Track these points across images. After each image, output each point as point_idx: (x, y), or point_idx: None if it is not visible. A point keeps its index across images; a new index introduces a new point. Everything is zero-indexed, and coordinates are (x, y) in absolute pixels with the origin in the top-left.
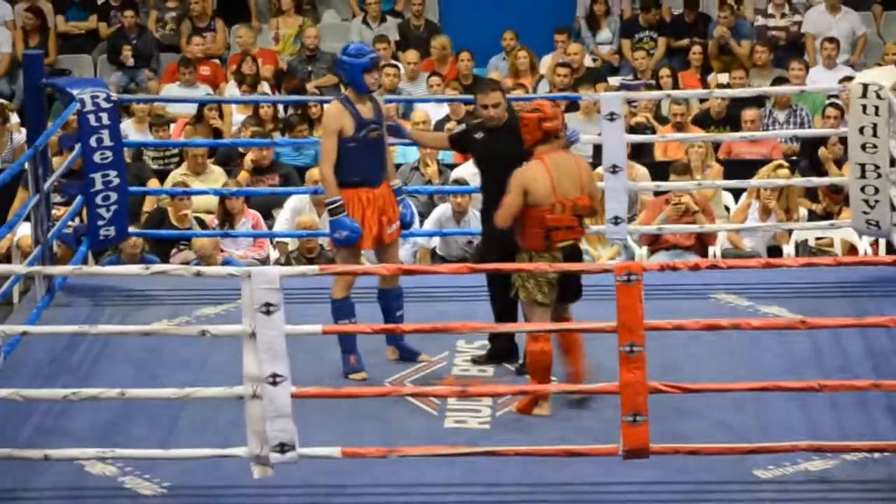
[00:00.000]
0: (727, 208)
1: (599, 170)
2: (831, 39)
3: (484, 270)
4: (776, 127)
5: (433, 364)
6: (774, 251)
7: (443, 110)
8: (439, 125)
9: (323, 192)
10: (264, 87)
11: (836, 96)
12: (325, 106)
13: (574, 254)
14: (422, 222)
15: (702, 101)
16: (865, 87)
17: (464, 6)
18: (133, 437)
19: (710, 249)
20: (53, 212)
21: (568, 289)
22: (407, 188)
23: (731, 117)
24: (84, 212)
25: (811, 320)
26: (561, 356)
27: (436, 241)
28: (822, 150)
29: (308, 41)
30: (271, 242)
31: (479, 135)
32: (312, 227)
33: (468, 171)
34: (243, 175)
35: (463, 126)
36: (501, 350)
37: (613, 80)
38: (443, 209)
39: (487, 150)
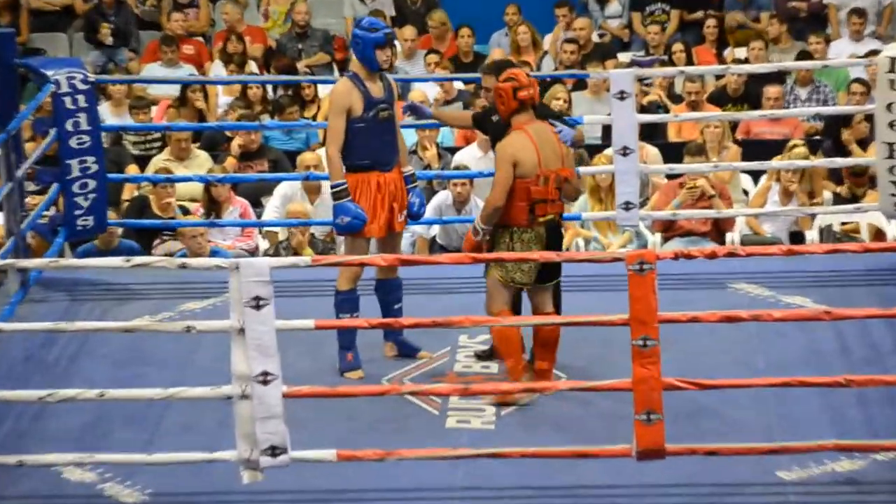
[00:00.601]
0: (746, 192)
1: (609, 151)
2: (857, 11)
3: (487, 260)
4: (798, 104)
5: (434, 360)
6: (797, 237)
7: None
8: (467, 104)
9: (315, 178)
10: (252, 66)
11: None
12: (334, 84)
13: (555, 228)
14: None
15: (718, 77)
16: (893, 60)
17: None
18: (114, 440)
19: (728, 236)
20: (27, 201)
21: (546, 267)
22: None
23: (749, 95)
24: (60, 201)
25: (836, 311)
26: (535, 350)
27: (436, 230)
28: (844, 134)
29: (298, 17)
30: (260, 232)
31: (495, 117)
32: (304, 216)
33: (471, 156)
34: (230, 161)
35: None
36: None
37: (623, 57)
38: (443, 196)
39: (500, 134)
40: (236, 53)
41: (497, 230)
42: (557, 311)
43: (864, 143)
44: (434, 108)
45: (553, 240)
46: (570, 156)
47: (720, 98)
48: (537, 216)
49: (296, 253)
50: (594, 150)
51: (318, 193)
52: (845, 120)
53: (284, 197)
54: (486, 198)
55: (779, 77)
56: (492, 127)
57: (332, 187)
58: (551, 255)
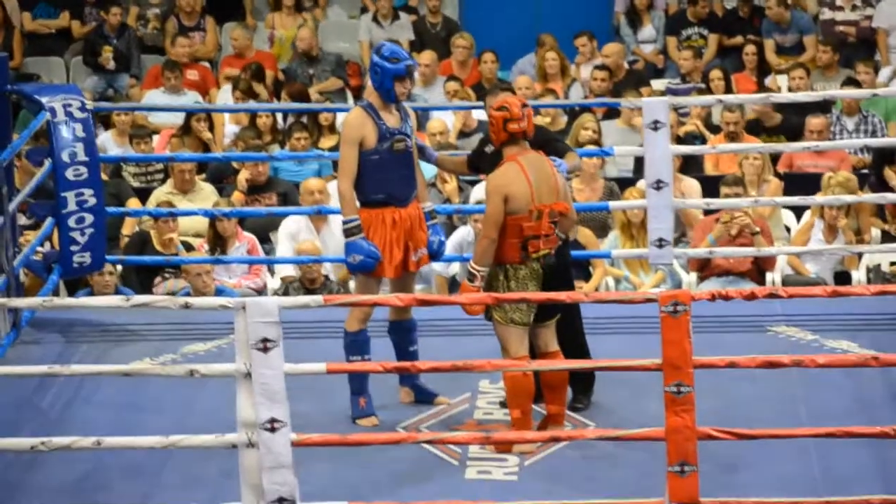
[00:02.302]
0: (788, 228)
1: (641, 184)
2: None
3: (508, 300)
4: (844, 136)
5: (453, 407)
6: (842, 277)
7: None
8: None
9: (328, 212)
10: (262, 93)
11: None
12: (346, 113)
13: (551, 264)
14: None
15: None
16: None
17: (486, 2)
18: (111, 492)
19: (769, 276)
20: (20, 237)
21: (545, 305)
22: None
23: (788, 125)
24: (55, 236)
25: (885, 356)
26: (544, 393)
27: (456, 268)
28: (886, 171)
29: (302, 45)
30: (269, 270)
31: (489, 148)
32: (316, 254)
33: None
34: (237, 196)
35: (478, 142)
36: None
37: (658, 84)
38: (463, 232)
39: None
40: (244, 79)
41: (490, 270)
42: (583, 353)
43: None
44: (440, 155)
45: (550, 276)
46: (566, 188)
47: (755, 129)
48: (530, 252)
49: (309, 290)
50: (626, 183)
51: (325, 221)
52: (890, 155)
53: (290, 237)
54: (476, 239)
55: (823, 107)
56: (487, 158)
57: (344, 223)
58: (580, 296)
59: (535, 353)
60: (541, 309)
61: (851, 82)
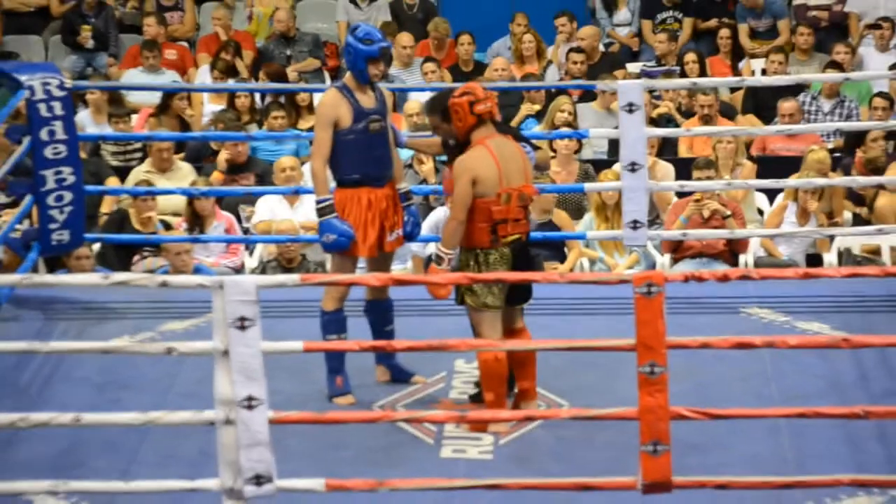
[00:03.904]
0: (761, 211)
1: (617, 167)
2: (885, 19)
3: (485, 281)
4: (819, 117)
5: (429, 386)
6: (814, 260)
7: None
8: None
9: (305, 192)
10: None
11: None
12: (321, 94)
13: (523, 248)
14: None
15: (732, 90)
16: None
17: None
18: (89, 468)
19: (742, 258)
20: None
21: (517, 288)
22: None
23: (759, 107)
24: (34, 214)
25: (855, 338)
26: (514, 370)
27: (432, 249)
28: (858, 154)
29: (280, 26)
30: (247, 249)
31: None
32: (293, 232)
33: None
34: (216, 176)
35: None
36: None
37: (633, 67)
38: (440, 213)
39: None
40: (224, 60)
41: (460, 253)
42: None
43: (878, 170)
44: (409, 139)
45: (521, 261)
46: (531, 170)
47: (728, 112)
48: (500, 236)
49: (287, 270)
50: (602, 165)
51: (298, 196)
52: (859, 139)
53: (268, 212)
54: (445, 221)
55: (794, 90)
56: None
57: (317, 203)
58: (555, 276)
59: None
60: (512, 292)
61: (834, 65)
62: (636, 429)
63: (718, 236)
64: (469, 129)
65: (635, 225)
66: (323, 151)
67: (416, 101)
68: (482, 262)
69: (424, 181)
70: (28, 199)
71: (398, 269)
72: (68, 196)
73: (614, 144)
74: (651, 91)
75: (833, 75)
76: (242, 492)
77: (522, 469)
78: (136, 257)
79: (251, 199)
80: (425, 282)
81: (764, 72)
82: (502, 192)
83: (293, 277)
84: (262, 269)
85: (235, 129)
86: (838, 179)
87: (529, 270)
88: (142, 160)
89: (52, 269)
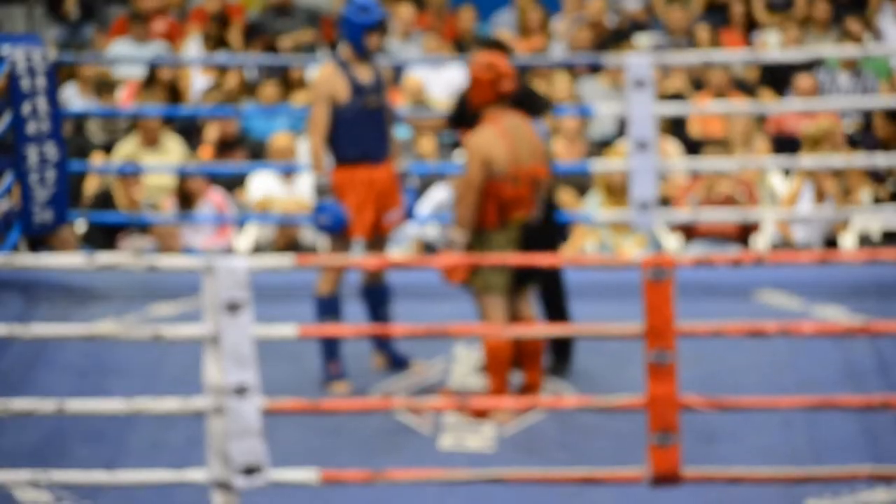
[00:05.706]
0: (775, 194)
1: (624, 145)
2: None
3: (487, 263)
4: (836, 93)
5: (427, 373)
6: (831, 243)
7: (445, 75)
8: None
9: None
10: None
11: None
12: (319, 69)
13: (530, 229)
14: None
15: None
16: None
17: None
18: (73, 458)
19: (754, 239)
20: None
21: (525, 271)
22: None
23: (775, 81)
24: (15, 192)
25: (874, 324)
26: (521, 361)
27: (430, 231)
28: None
29: None
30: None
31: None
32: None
33: None
34: (207, 152)
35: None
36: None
37: (641, 41)
38: (441, 193)
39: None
40: (221, 31)
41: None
42: (565, 318)
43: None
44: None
45: (529, 241)
46: (547, 149)
47: (741, 87)
48: (508, 218)
49: (282, 250)
50: (609, 143)
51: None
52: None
53: (262, 192)
54: (456, 202)
55: (810, 66)
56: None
57: (314, 181)
58: (561, 260)
59: (511, 320)
60: (519, 275)
61: (851, 39)
62: (644, 418)
63: (731, 218)
64: (485, 105)
65: (644, 206)
66: (320, 128)
67: (416, 77)
68: (489, 243)
69: (425, 161)
70: (9, 176)
71: (396, 251)
72: (52, 174)
73: (622, 122)
74: (661, 66)
75: (847, 50)
76: (233, 483)
77: (526, 461)
78: (122, 235)
79: (245, 177)
80: (428, 264)
81: (781, 45)
82: (513, 173)
83: (287, 259)
84: (255, 250)
85: (227, 103)
86: (857, 158)
87: (545, 250)
88: (128, 131)
89: (34, 249)
